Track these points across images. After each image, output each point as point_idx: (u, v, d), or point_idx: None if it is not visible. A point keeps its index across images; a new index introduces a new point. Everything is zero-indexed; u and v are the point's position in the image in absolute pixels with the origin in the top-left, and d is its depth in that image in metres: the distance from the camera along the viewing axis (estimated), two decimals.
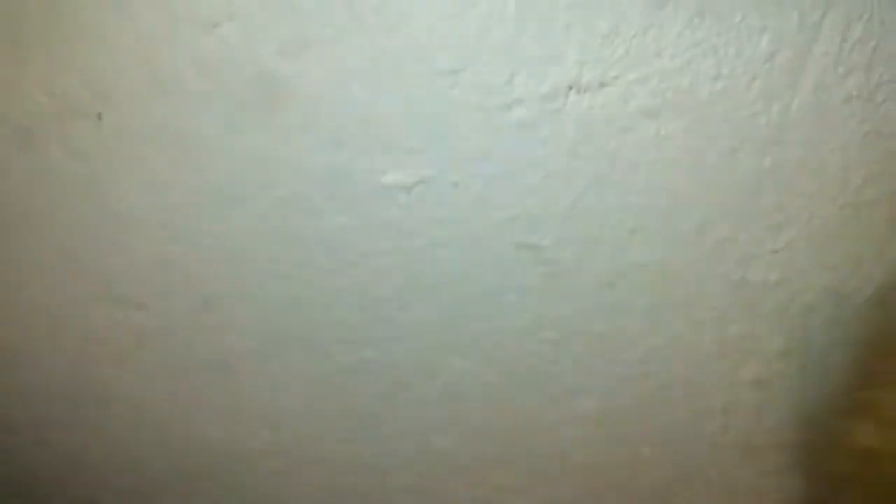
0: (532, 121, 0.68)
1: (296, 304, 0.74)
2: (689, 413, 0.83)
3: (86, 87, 0.64)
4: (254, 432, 0.78)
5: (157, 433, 0.78)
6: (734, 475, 0.87)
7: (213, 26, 0.63)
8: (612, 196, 0.72)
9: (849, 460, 0.83)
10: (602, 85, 0.67)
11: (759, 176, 0.72)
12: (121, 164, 0.67)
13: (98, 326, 0.75)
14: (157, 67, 0.64)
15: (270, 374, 0.76)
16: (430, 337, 0.77)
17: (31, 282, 0.78)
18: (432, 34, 0.64)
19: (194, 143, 0.67)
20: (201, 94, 0.65)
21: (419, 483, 0.83)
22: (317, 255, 0.72)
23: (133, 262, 0.71)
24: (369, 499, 0.83)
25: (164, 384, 0.76)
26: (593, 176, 0.72)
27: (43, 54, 0.63)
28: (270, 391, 0.77)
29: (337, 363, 0.77)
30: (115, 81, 0.64)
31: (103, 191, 0.68)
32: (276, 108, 0.65)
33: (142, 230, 0.70)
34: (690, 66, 0.67)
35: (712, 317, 0.78)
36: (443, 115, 0.67)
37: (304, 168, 0.69)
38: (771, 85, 0.68)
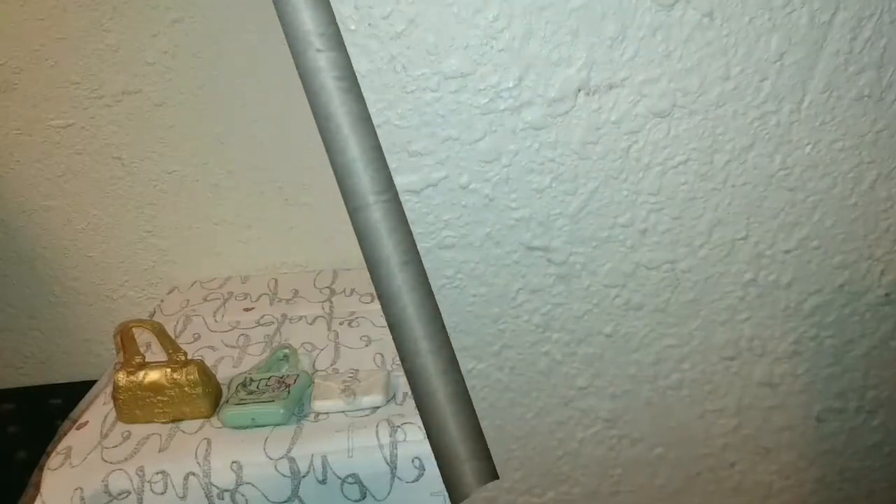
0: (541, 123, 0.68)
1: None
2: (701, 413, 0.83)
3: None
4: None
5: None
6: (746, 475, 0.87)
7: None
8: (623, 197, 0.72)
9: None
10: (611, 87, 0.67)
11: (769, 176, 0.72)
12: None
13: None
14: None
15: None
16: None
17: None
18: (441, 38, 0.64)
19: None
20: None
21: None
22: None
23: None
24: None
25: None
26: (603, 177, 0.72)
27: None
28: None
29: None
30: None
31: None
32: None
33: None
34: (700, 66, 0.66)
35: (723, 317, 0.78)
36: (452, 119, 0.67)
37: None
38: (781, 85, 0.68)
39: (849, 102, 0.68)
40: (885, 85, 0.68)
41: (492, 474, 0.71)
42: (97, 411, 0.88)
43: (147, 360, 0.85)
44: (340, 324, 1.06)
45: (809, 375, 0.80)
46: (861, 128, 0.70)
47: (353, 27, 0.63)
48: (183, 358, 0.84)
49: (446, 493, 0.79)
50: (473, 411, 0.68)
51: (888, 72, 0.68)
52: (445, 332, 0.68)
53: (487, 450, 0.71)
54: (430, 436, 0.71)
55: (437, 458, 0.71)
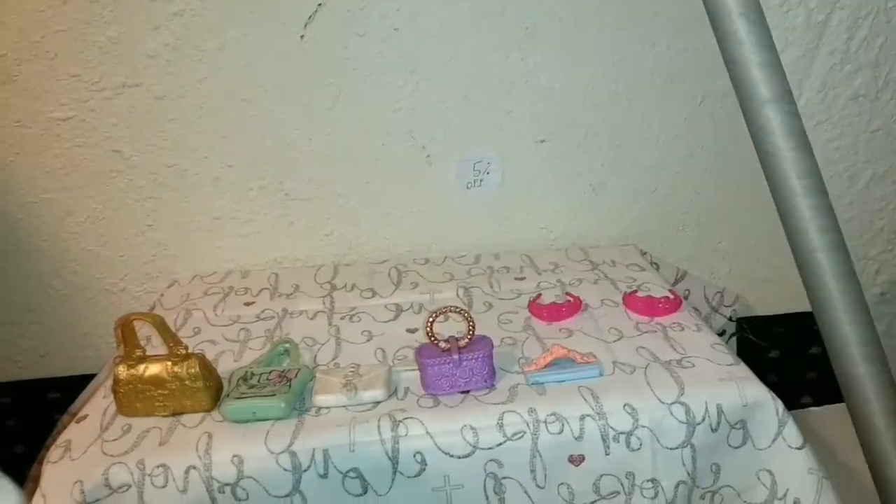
0: None
1: None
2: None
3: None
4: None
5: None
6: None
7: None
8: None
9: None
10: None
11: None
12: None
13: None
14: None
15: None
16: None
17: None
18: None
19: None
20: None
21: None
22: None
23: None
24: None
25: None
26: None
27: None
28: None
29: None
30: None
31: None
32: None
33: None
34: None
35: None
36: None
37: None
38: None
39: (844, 102, 0.69)
40: (880, 85, 0.69)
41: None
42: (97, 404, 0.88)
43: (147, 353, 0.85)
44: (341, 318, 1.06)
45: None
46: (856, 127, 0.70)
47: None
48: (184, 351, 0.84)
49: (448, 489, 0.78)
50: None
51: (884, 71, 0.69)
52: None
53: None
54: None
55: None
